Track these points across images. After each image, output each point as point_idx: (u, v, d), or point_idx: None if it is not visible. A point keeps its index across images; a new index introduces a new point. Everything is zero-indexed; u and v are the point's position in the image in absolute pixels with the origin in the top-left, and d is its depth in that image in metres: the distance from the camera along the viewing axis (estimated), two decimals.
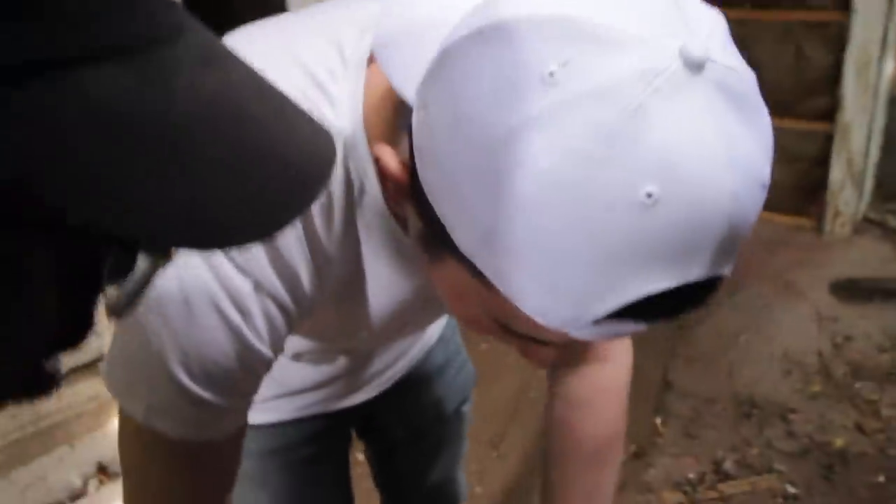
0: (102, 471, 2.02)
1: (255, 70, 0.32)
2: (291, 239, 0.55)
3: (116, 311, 0.32)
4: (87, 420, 2.00)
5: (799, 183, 3.20)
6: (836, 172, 3.03)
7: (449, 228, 0.45)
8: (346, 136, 0.54)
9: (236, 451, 0.66)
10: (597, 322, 0.42)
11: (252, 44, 0.58)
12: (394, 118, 0.52)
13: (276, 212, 0.29)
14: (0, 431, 1.85)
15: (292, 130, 0.31)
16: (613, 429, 0.84)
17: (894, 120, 3.08)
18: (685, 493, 1.92)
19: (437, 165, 0.44)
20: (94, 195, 0.24)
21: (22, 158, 0.23)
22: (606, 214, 0.38)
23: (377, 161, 0.50)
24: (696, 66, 0.38)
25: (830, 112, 2.99)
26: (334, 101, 0.54)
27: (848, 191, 3.04)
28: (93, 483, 2.00)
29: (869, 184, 3.16)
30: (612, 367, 0.83)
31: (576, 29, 0.39)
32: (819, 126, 3.05)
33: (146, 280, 0.33)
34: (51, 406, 1.93)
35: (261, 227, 0.29)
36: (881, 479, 1.91)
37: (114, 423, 1.95)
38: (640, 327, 0.45)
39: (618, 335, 0.46)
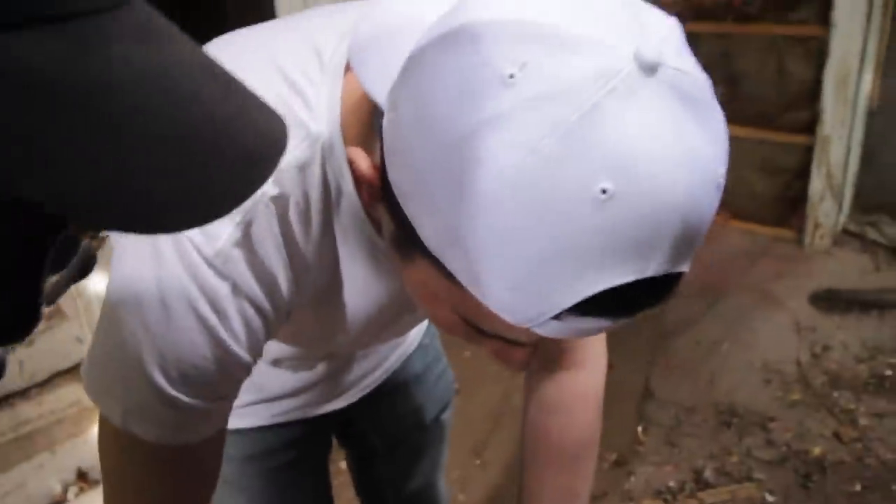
0: (82, 477, 2.01)
1: (203, 51, 0.31)
2: (269, 242, 0.55)
3: (49, 298, 0.31)
4: (68, 426, 1.99)
5: (780, 194, 3.24)
6: (816, 184, 3.06)
7: (417, 228, 0.46)
8: (323, 140, 0.55)
9: (216, 455, 0.66)
10: (559, 317, 0.43)
11: (234, 49, 0.59)
12: (369, 122, 0.53)
13: (221, 193, 0.28)
14: None
15: (241, 110, 0.30)
16: (588, 434, 0.84)
17: (872, 133, 3.12)
18: (665, 501, 1.93)
19: (406, 165, 0.45)
20: (18, 165, 0.23)
21: None
22: (564, 210, 0.39)
23: (351, 164, 0.51)
24: (649, 69, 0.39)
25: (811, 125, 3.03)
26: (311, 106, 0.55)
27: (827, 203, 3.08)
28: (73, 490, 1.99)
29: (848, 196, 3.19)
30: (588, 374, 0.84)
31: (534, 32, 0.40)
32: (799, 139, 3.08)
33: (81, 267, 0.32)
34: (31, 412, 1.92)
35: (203, 209, 0.27)
36: (858, 487, 1.93)
37: (95, 429, 1.92)
38: (603, 324, 0.45)
39: (582, 333, 0.46)
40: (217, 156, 0.27)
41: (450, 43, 0.42)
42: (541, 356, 0.84)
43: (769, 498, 1.92)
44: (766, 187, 3.26)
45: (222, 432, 0.64)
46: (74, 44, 0.24)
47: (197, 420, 0.59)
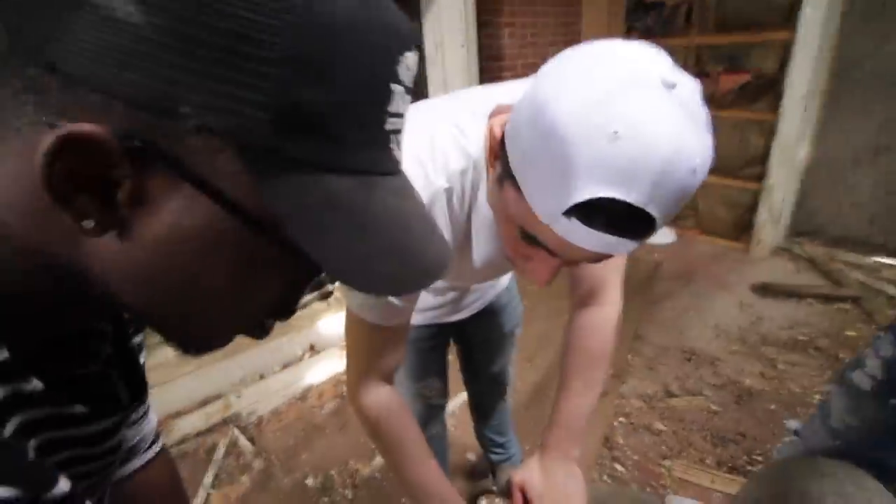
0: (312, 348, 2.10)
1: (422, 203, 0.31)
2: (440, 213, 0.58)
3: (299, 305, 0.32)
4: (304, 319, 2.11)
5: (736, 221, 3.02)
6: (762, 215, 2.84)
7: (510, 160, 0.45)
8: (475, 157, 0.56)
9: (404, 334, 0.67)
10: (567, 214, 0.40)
11: (429, 106, 0.62)
12: (499, 137, 0.51)
13: (402, 285, 0.28)
14: None
15: (431, 242, 0.29)
16: (605, 346, 0.82)
17: (803, 185, 2.86)
18: (645, 402, 1.88)
19: (513, 130, 0.45)
20: (312, 238, 0.24)
21: (282, 224, 0.23)
22: (588, 140, 0.37)
23: (490, 130, 0.49)
24: (669, 86, 0.38)
25: (760, 177, 2.80)
26: (469, 138, 0.56)
27: (768, 228, 2.84)
28: (307, 354, 2.08)
29: (782, 225, 2.94)
30: (608, 309, 0.82)
31: (609, 56, 0.40)
32: (753, 185, 2.86)
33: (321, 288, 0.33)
34: None
35: (392, 289, 0.28)
36: (773, 407, 1.80)
37: (319, 321, 2.06)
38: (598, 236, 0.41)
39: (585, 240, 0.41)
40: (411, 265, 0.27)
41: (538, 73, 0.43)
42: (578, 299, 0.83)
43: (713, 408, 1.82)
44: (727, 215, 3.05)
45: (409, 322, 0.66)
46: (359, 187, 0.25)
47: (398, 312, 0.62)
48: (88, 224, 0.23)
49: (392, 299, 0.59)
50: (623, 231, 0.41)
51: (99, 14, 0.20)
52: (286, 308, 0.31)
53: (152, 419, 0.54)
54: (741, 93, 2.77)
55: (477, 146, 0.56)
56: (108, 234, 0.23)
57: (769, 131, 2.70)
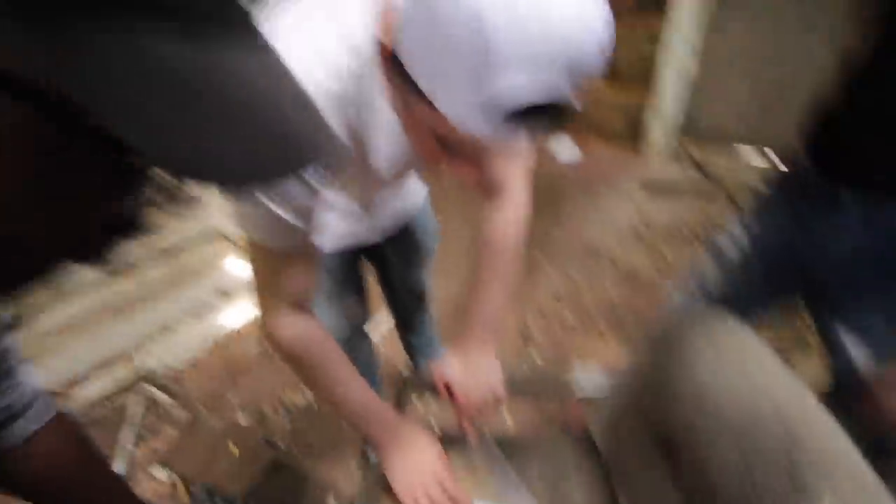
0: (224, 293, 1.98)
1: (285, 63, 0.25)
2: (334, 121, 0.52)
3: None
4: (205, 264, 1.99)
5: (629, 126, 3.18)
6: (652, 120, 3.01)
7: (415, 75, 0.43)
8: (369, 57, 0.51)
9: (313, 259, 0.64)
10: (489, 115, 0.40)
11: (307, 6, 0.53)
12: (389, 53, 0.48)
13: (263, 168, 0.23)
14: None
15: (302, 116, 0.25)
16: (515, 241, 0.83)
17: (689, 92, 3.04)
18: (557, 299, 2.01)
19: (404, 32, 0.43)
20: (130, 116, 0.19)
21: (85, 85, 0.18)
22: (499, 30, 0.36)
23: (380, 44, 0.47)
24: None
25: (651, 85, 2.93)
26: (358, 37, 0.51)
27: (658, 132, 3.03)
28: (218, 300, 1.96)
29: (671, 129, 3.15)
30: (517, 208, 0.83)
31: None
32: (644, 92, 2.99)
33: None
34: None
35: (248, 177, 0.22)
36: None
37: (227, 262, 1.91)
38: (516, 129, 0.41)
39: (504, 133, 0.42)
40: (272, 145, 0.23)
41: None
42: (492, 200, 0.83)
43: (615, 299, 2.00)
44: (620, 122, 3.18)
45: (314, 247, 0.62)
46: (196, 44, 0.20)
47: (298, 234, 0.57)
48: None
49: (288, 217, 0.55)
50: (541, 118, 0.41)
51: None
52: (128, 221, 0.25)
53: (23, 388, 0.48)
54: (639, 3, 2.82)
55: (368, 44, 0.51)
56: None
57: (659, 42, 2.79)
